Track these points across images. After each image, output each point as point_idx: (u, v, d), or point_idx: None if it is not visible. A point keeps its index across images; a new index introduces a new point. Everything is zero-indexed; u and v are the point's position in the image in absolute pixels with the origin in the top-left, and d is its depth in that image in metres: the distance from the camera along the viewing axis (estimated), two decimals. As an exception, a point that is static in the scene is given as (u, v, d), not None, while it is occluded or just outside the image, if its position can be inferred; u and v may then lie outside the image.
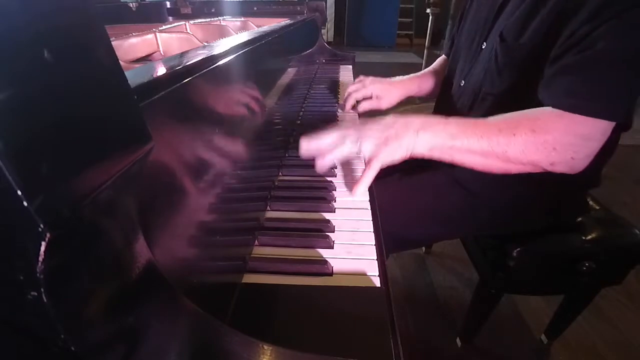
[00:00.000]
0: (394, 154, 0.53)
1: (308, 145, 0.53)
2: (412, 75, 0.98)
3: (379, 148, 0.52)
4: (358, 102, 0.93)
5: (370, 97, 0.92)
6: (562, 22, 0.53)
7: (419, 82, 0.97)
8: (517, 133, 0.52)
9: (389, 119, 0.55)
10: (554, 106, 0.53)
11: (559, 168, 0.54)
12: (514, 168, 0.55)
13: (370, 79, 0.93)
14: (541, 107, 0.54)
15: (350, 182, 0.61)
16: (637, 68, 0.50)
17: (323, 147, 0.53)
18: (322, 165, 0.53)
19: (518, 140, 0.52)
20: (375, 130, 0.53)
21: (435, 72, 0.98)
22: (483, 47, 0.71)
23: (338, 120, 0.89)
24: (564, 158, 0.52)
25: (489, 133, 0.52)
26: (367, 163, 0.53)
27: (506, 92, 0.64)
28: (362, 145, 0.52)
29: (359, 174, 0.64)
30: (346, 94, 0.93)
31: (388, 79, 0.95)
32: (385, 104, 0.92)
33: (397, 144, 0.52)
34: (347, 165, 0.67)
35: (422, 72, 1.00)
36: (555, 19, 0.55)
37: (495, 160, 0.54)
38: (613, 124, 0.52)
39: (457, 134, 0.53)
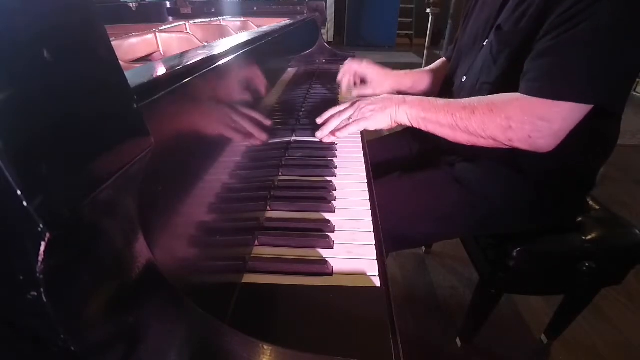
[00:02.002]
0: (381, 121, 0.67)
1: (322, 134, 0.70)
2: (409, 71, 0.98)
3: (367, 115, 0.67)
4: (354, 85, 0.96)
5: (364, 82, 0.95)
6: (550, 6, 0.55)
7: (414, 79, 0.98)
8: (476, 111, 0.60)
9: (380, 96, 0.69)
10: (522, 87, 0.57)
11: (518, 145, 0.59)
12: (478, 141, 0.62)
13: (366, 60, 0.95)
14: (505, 93, 0.60)
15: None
16: (614, 50, 0.51)
17: (331, 129, 0.70)
18: (322, 134, 0.71)
19: (477, 117, 0.59)
20: (367, 104, 0.68)
21: (433, 72, 0.98)
22: (484, 44, 0.71)
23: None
24: (521, 136, 0.57)
25: (454, 110, 0.62)
26: (356, 120, 0.67)
27: (501, 79, 0.65)
28: (355, 114, 0.68)
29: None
30: (342, 69, 0.96)
31: (386, 70, 0.96)
32: (377, 89, 0.93)
33: (383, 114, 0.66)
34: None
35: (420, 70, 1.00)
36: (546, 4, 0.56)
37: (461, 133, 0.62)
38: (579, 106, 0.54)
39: (428, 108, 0.64)
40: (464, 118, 0.60)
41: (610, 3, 0.49)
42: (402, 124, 0.67)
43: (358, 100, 0.69)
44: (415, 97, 0.67)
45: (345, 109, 0.69)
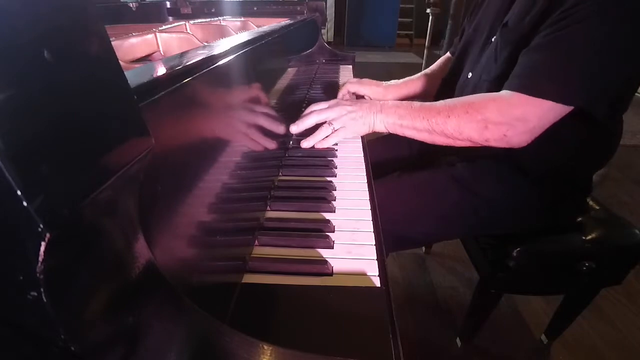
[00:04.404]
0: (358, 129, 0.67)
1: (297, 128, 0.69)
2: (407, 79, 0.98)
3: (347, 123, 0.67)
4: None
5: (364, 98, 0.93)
6: (552, 8, 0.55)
7: (415, 86, 0.97)
8: (451, 115, 0.60)
9: (359, 101, 0.69)
10: (505, 85, 0.58)
11: (493, 144, 0.59)
12: (454, 143, 0.63)
13: (366, 80, 0.94)
14: (481, 93, 0.61)
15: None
16: (602, 55, 0.51)
17: (308, 127, 0.69)
18: (307, 145, 0.69)
19: (452, 121, 0.60)
20: (347, 109, 0.67)
21: (433, 76, 0.97)
22: (492, 40, 0.71)
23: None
24: (497, 136, 0.58)
25: (429, 115, 0.62)
26: (336, 130, 0.68)
27: (499, 77, 0.65)
28: (334, 124, 0.67)
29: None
30: (342, 87, 0.95)
31: (383, 83, 0.95)
32: None
33: (362, 121, 0.66)
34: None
35: (418, 75, 0.99)
36: (549, 5, 0.56)
37: (438, 136, 0.63)
38: (557, 106, 0.53)
39: (404, 115, 0.64)
40: (440, 122, 0.61)
41: (610, 9, 0.49)
42: (379, 132, 0.67)
43: (339, 102, 0.69)
44: (392, 103, 0.67)
45: (326, 110, 0.68)
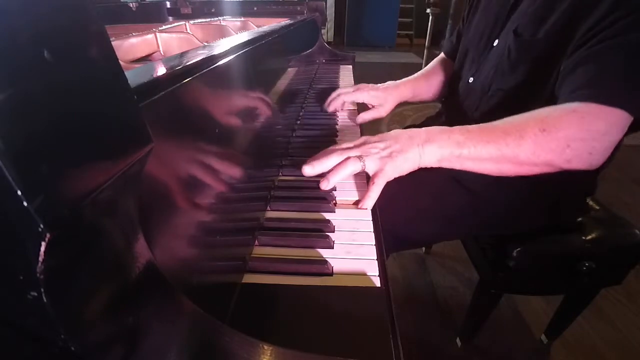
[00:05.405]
0: (401, 168, 0.52)
1: (312, 170, 0.53)
2: (405, 79, 0.93)
3: (384, 163, 0.51)
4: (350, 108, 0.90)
5: (369, 106, 0.87)
6: (580, 15, 0.53)
7: (413, 87, 0.93)
8: (525, 135, 0.49)
9: (393, 133, 0.54)
10: (569, 99, 0.51)
11: (576, 165, 0.50)
12: (528, 170, 0.52)
13: (362, 85, 0.88)
14: (552, 106, 0.52)
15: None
16: None
17: (326, 169, 0.53)
18: (326, 186, 0.53)
19: (527, 142, 0.49)
20: (379, 147, 0.52)
21: (432, 74, 0.96)
22: (495, 44, 0.70)
23: (337, 126, 0.87)
24: (580, 154, 0.49)
25: (496, 138, 0.50)
26: (372, 178, 0.52)
27: (517, 88, 0.63)
28: (366, 163, 0.51)
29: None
30: (335, 94, 0.87)
31: (382, 87, 0.89)
32: (383, 111, 0.87)
33: (403, 157, 0.51)
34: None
35: (416, 75, 0.96)
36: (574, 13, 0.54)
37: (508, 165, 0.52)
38: (631, 118, 0.49)
39: (463, 142, 0.51)
40: (512, 146, 0.50)
41: None
42: (428, 166, 0.53)
43: (367, 139, 0.54)
44: (438, 128, 0.53)
45: (352, 148, 0.53)
